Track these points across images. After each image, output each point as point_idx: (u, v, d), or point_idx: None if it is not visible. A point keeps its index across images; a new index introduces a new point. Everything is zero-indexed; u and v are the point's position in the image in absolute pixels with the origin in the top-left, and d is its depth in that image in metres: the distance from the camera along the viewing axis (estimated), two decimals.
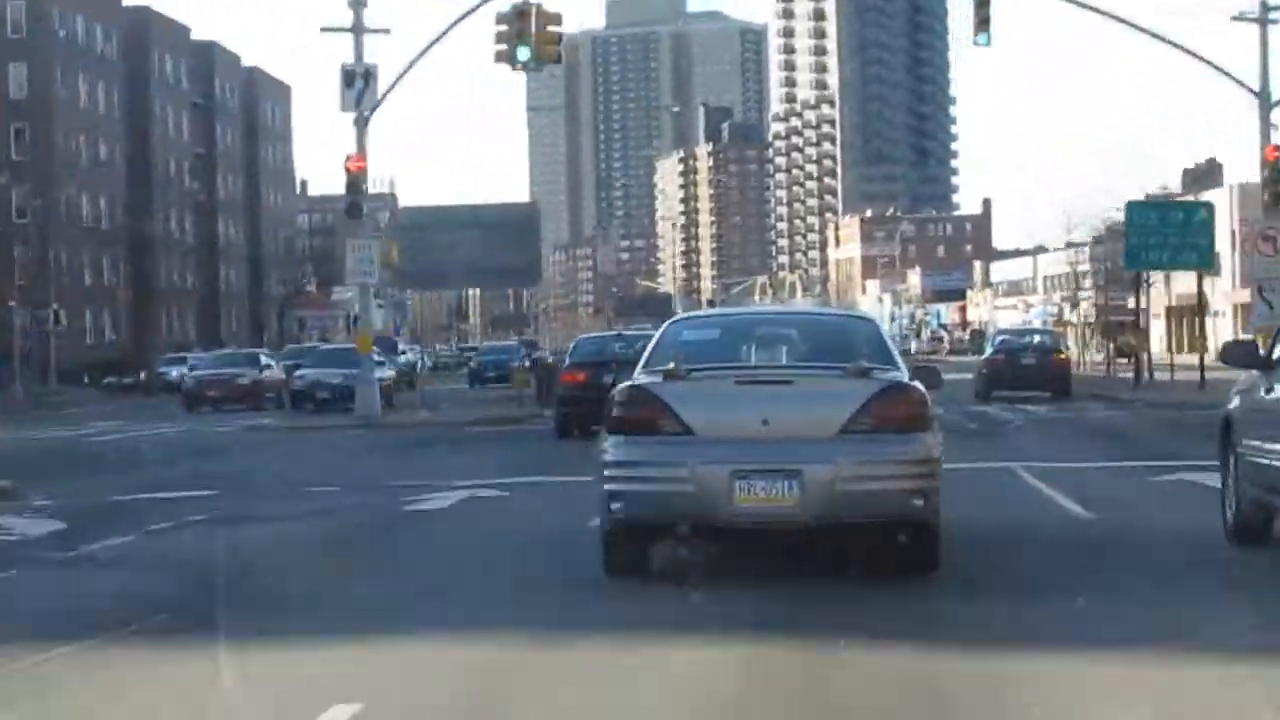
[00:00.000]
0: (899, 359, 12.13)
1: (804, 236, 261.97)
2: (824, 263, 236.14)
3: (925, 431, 11.17)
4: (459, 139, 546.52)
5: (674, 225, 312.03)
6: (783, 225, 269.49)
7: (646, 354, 12.20)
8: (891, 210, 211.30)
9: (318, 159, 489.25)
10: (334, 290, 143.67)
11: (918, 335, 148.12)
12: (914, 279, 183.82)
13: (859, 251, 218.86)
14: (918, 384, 11.54)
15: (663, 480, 10.99)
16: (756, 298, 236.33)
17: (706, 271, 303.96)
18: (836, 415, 11.02)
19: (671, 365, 11.39)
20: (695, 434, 11.07)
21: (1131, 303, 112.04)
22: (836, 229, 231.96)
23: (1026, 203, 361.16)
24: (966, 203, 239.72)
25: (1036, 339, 48.43)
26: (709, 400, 11.25)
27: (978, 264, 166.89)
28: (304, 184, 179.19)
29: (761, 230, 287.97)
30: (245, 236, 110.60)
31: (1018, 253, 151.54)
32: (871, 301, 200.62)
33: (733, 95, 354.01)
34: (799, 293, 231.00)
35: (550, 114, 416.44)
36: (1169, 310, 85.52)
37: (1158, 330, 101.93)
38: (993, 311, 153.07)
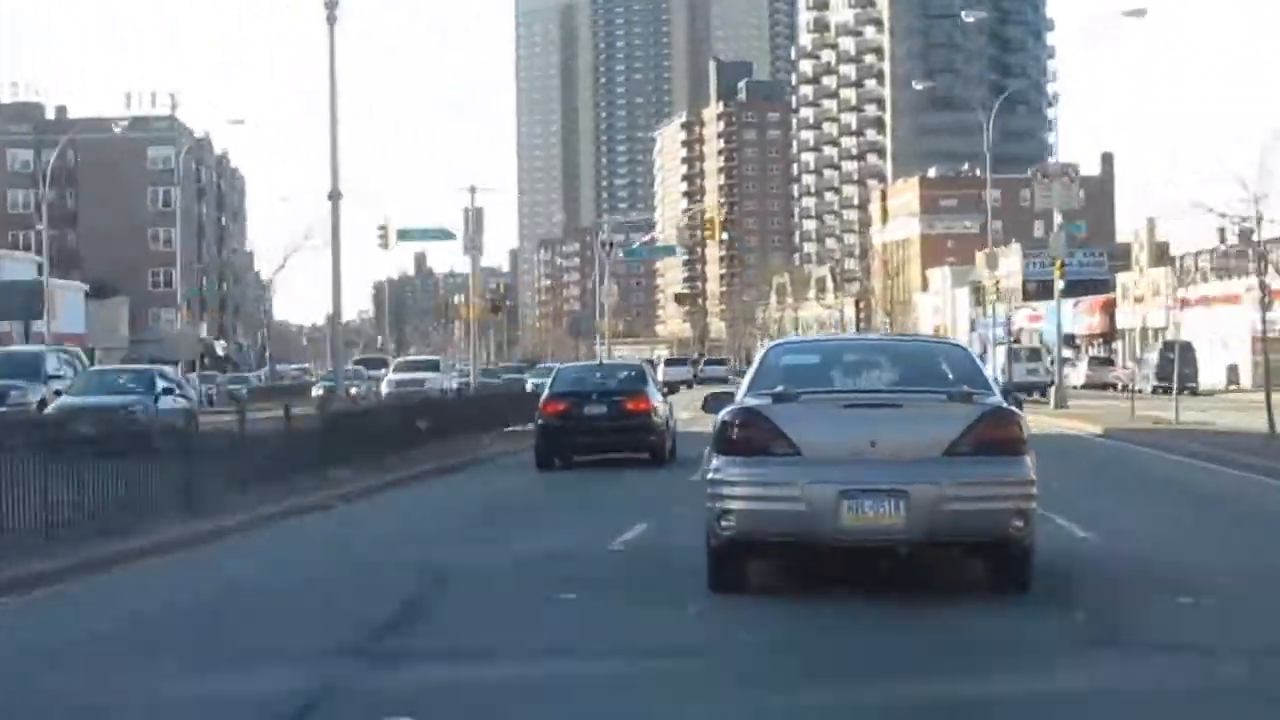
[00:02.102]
0: (994, 384, 12.59)
1: (839, 215, 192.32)
2: (865, 251, 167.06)
3: (1025, 455, 11.63)
4: (441, 122, 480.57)
5: (662, 211, 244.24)
6: (810, 202, 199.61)
7: (749, 378, 12.78)
8: (964, 170, 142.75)
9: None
10: None
11: (1012, 354, 74.00)
12: (1006, 264, 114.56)
13: (917, 228, 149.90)
14: (1016, 409, 12.07)
15: (773, 499, 11.54)
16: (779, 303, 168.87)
17: (714, 270, 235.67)
18: (942, 437, 11.51)
19: (781, 388, 11.93)
20: (804, 454, 11.59)
21: None
22: (884, 200, 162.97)
23: (1156, 162, 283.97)
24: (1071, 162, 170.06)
25: None
26: (818, 422, 11.72)
27: (1139, 229, 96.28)
28: None
29: (786, 215, 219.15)
30: None
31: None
32: (939, 298, 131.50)
33: (760, 58, 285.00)
34: (829, 290, 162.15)
35: (544, 85, 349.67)
36: None
37: None
38: (1170, 311, 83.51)
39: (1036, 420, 30.63)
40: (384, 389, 55.42)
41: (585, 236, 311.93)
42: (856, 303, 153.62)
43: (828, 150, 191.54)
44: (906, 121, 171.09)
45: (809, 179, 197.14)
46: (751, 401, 11.98)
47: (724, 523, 11.57)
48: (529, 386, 56.50)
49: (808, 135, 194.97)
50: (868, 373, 12.74)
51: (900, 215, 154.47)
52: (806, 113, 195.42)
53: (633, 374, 31.17)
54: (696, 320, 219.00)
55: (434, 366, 66.67)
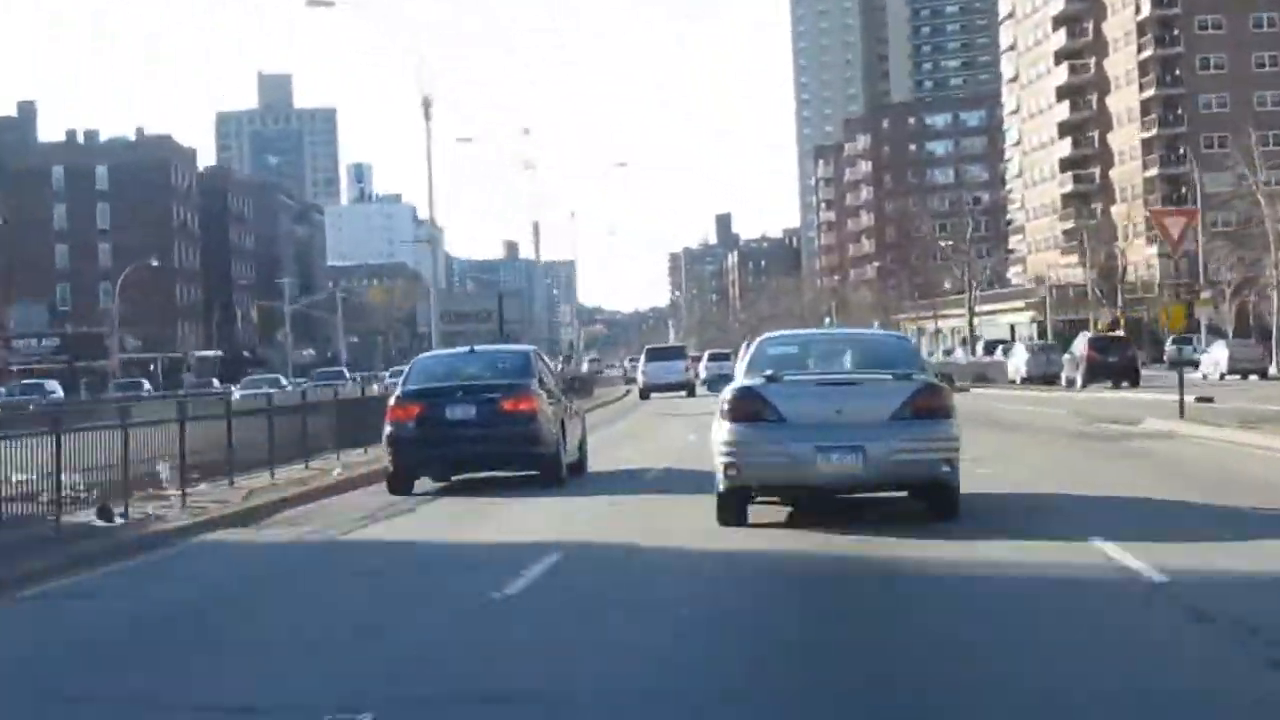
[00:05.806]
0: (928, 365, 17.85)
1: None
2: None
3: (950, 418, 15.95)
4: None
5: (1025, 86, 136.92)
6: None
7: (745, 364, 17.18)
8: None
9: None
10: None
11: None
12: None
13: None
14: (944, 384, 16.65)
15: (765, 454, 15.80)
16: None
17: (1129, 165, 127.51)
18: (889, 406, 15.76)
19: (770, 372, 16.28)
20: (788, 420, 15.81)
21: None
22: None
23: None
24: None
25: None
26: (798, 396, 15.99)
27: None
28: None
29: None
30: None
31: None
32: None
33: None
34: None
35: None
36: None
37: None
38: None
39: None
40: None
41: (882, 121, 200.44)
42: None
43: None
44: None
45: None
46: (748, 382, 16.35)
47: (730, 472, 15.87)
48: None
49: None
50: (833, 359, 17.35)
51: None
52: None
53: (514, 363, 25.08)
54: (1093, 248, 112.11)
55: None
